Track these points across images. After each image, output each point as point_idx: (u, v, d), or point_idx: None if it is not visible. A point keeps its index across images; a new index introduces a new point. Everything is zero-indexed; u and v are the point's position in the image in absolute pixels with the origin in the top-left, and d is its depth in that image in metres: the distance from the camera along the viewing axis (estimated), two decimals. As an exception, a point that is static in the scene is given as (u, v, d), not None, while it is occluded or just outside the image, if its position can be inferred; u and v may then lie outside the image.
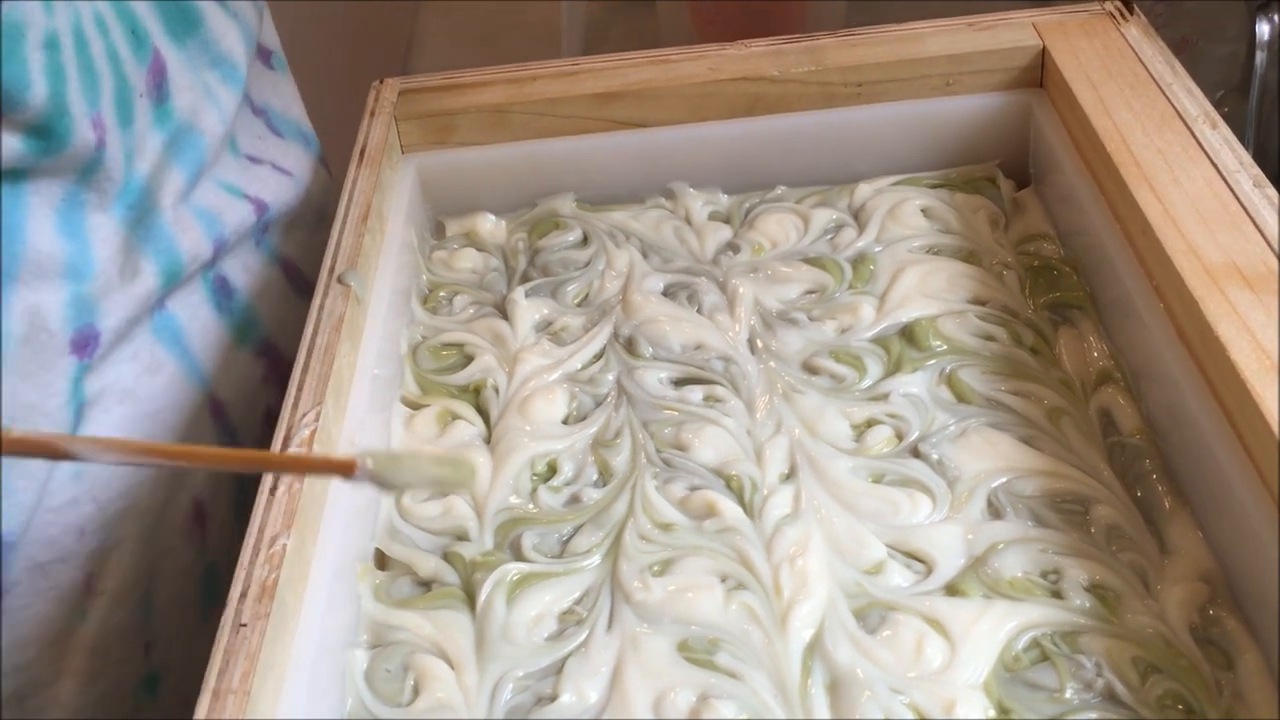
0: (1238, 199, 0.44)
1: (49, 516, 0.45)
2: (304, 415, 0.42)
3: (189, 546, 0.51)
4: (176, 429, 0.50)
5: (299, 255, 0.57)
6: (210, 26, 0.50)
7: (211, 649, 0.34)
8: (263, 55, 0.57)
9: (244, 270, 0.54)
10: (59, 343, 0.45)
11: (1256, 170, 0.45)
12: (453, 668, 0.39)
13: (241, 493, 0.54)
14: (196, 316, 0.51)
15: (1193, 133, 0.47)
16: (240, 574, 0.36)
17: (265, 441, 0.53)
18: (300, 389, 0.43)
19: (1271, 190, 0.44)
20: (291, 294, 0.57)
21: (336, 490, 0.41)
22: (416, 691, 0.39)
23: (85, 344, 0.46)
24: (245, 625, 0.35)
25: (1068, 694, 0.37)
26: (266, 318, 0.55)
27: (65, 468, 0.45)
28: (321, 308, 0.46)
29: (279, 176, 0.56)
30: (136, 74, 0.45)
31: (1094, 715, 0.36)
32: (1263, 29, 0.53)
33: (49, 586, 0.45)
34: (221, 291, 0.52)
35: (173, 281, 0.49)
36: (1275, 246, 0.42)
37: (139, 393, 0.49)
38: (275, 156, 0.56)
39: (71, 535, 0.46)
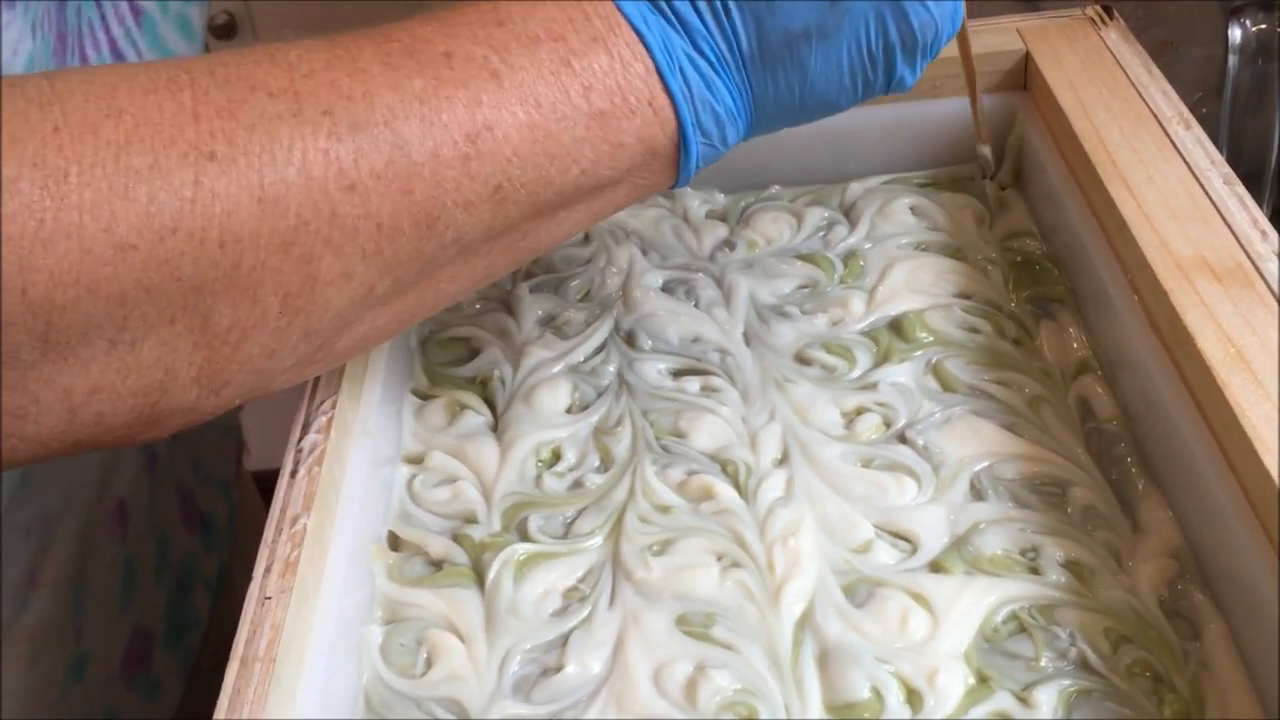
0: (1208, 196, 0.46)
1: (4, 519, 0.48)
2: (321, 404, 0.44)
3: (112, 542, 0.53)
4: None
5: None
6: None
7: (238, 621, 0.37)
8: None
9: None
10: None
11: (1227, 169, 0.47)
12: (463, 641, 0.42)
13: (155, 491, 0.56)
14: None
15: (1167, 133, 0.50)
16: (264, 551, 0.39)
17: (177, 444, 0.57)
18: (316, 381, 0.45)
19: (1241, 188, 0.46)
20: None
21: (352, 475, 0.43)
22: (429, 664, 0.41)
23: None
24: (270, 598, 0.37)
25: (1043, 662, 0.39)
26: None
27: (14, 475, 0.47)
28: (336, 303, 0.48)
29: None
30: None
31: (1067, 682, 0.38)
32: (1235, 32, 0.55)
33: None
34: None
35: None
36: (1242, 241, 0.44)
37: None
38: None
39: (19, 535, 0.48)
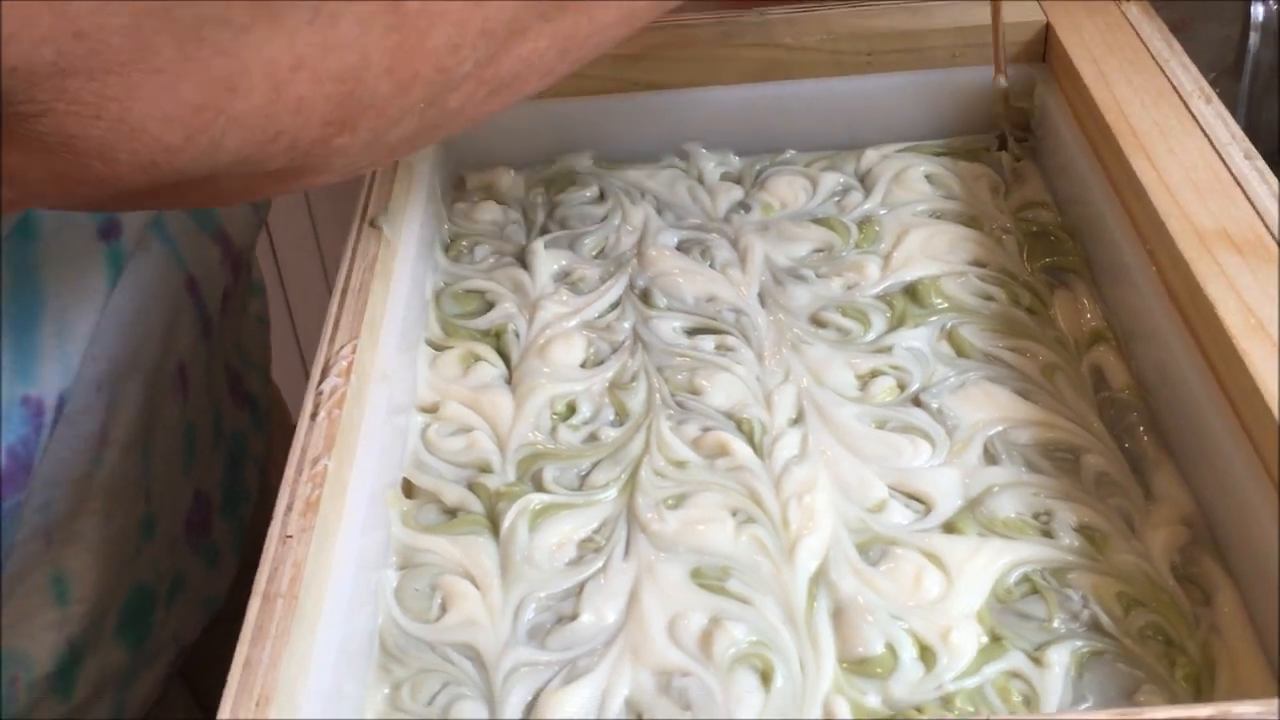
0: (1229, 169, 0.46)
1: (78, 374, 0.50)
2: (341, 348, 0.44)
3: (175, 404, 0.55)
4: (165, 299, 0.54)
5: None
6: None
7: (264, 551, 0.37)
8: None
9: None
10: (89, 231, 0.48)
11: (1247, 143, 0.48)
12: (478, 588, 0.42)
13: (209, 359, 0.58)
14: None
15: (1188, 106, 0.50)
16: (285, 490, 0.39)
17: (225, 316, 0.59)
18: (337, 324, 0.45)
19: (1261, 162, 0.47)
20: None
21: (370, 420, 0.43)
22: (444, 609, 0.41)
23: (109, 231, 0.50)
24: (291, 536, 0.37)
25: (1055, 624, 0.39)
26: (221, 208, 0.59)
27: (85, 329, 0.49)
28: (355, 249, 0.48)
29: None
30: None
31: (1079, 643, 0.39)
32: (1257, 10, 0.55)
33: (74, 435, 0.49)
34: None
35: None
36: (1264, 215, 0.44)
37: (134, 265, 0.52)
38: None
39: (91, 390, 0.50)
